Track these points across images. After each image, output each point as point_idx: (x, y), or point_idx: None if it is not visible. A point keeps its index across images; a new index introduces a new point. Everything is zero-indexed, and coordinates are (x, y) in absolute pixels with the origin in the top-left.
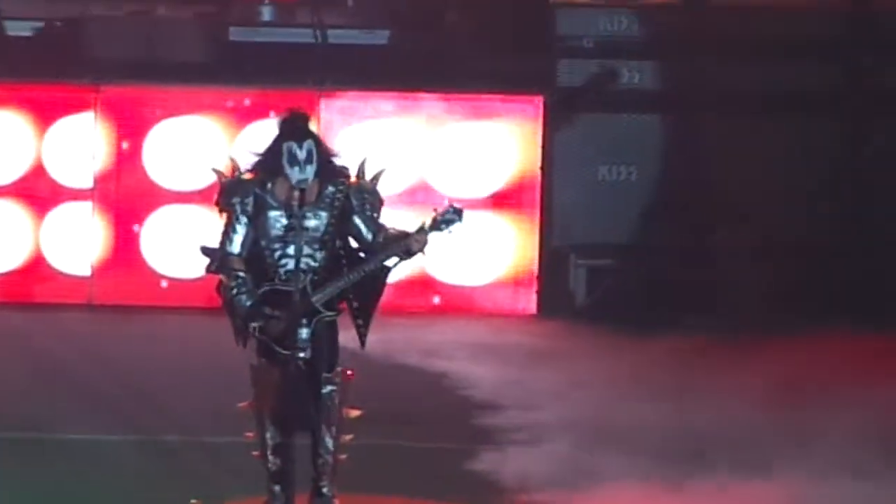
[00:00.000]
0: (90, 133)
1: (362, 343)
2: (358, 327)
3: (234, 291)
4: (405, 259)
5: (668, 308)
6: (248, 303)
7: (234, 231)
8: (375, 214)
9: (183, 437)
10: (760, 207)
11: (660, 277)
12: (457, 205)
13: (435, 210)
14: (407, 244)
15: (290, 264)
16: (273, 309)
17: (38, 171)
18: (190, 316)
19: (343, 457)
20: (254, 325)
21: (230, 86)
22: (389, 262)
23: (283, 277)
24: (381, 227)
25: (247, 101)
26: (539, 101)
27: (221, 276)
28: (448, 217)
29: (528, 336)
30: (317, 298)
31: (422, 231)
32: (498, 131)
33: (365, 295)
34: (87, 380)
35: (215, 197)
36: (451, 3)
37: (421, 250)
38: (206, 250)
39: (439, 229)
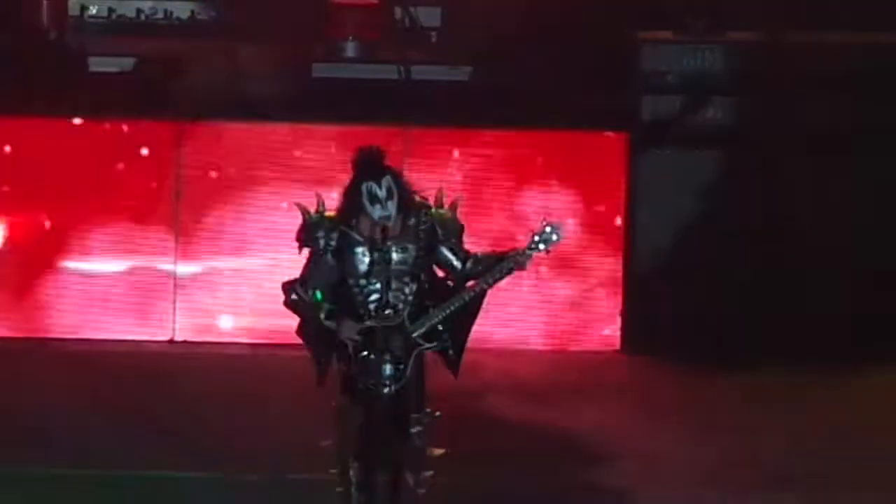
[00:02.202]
0: (173, 171)
1: (455, 373)
2: (448, 358)
3: (323, 318)
4: (506, 276)
5: (750, 341)
6: (337, 324)
7: (317, 265)
8: (460, 242)
9: (265, 475)
10: (839, 241)
11: (741, 310)
12: (554, 222)
13: (532, 232)
14: (511, 264)
15: (381, 298)
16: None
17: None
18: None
19: (422, 492)
20: (352, 337)
21: (314, 122)
22: (492, 282)
23: (373, 313)
24: (469, 254)
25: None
26: (623, 137)
27: (301, 311)
28: (545, 236)
29: (611, 370)
30: (417, 333)
31: (525, 251)
32: (582, 167)
33: (458, 325)
34: (167, 415)
35: (297, 233)
36: (534, 39)
37: (524, 266)
38: (287, 285)
39: (537, 249)
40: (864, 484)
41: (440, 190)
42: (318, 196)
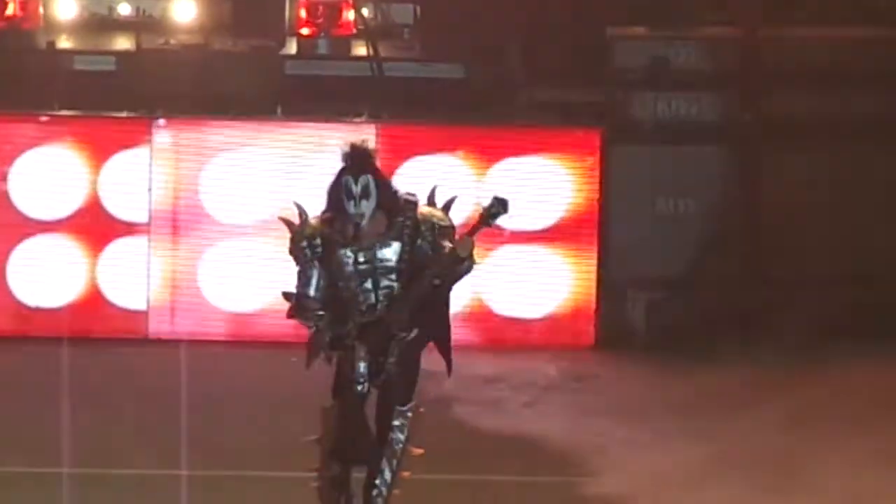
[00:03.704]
0: (146, 167)
1: (448, 369)
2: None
3: (314, 329)
4: (460, 271)
5: (726, 339)
6: (328, 336)
7: (307, 275)
8: (445, 242)
9: (239, 472)
10: (816, 237)
11: (717, 308)
12: (500, 195)
13: (479, 205)
14: (454, 254)
15: (371, 297)
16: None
17: (95, 205)
18: (246, 350)
19: (397, 491)
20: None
21: (286, 119)
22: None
23: (367, 313)
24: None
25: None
26: (596, 133)
27: (299, 320)
28: (493, 211)
29: (584, 368)
30: (394, 321)
31: (466, 236)
32: (555, 164)
33: (435, 328)
34: (145, 414)
35: (288, 245)
36: (507, 35)
37: (468, 254)
38: (286, 296)
39: (487, 224)
40: (824, 478)
41: (433, 188)
42: (299, 207)
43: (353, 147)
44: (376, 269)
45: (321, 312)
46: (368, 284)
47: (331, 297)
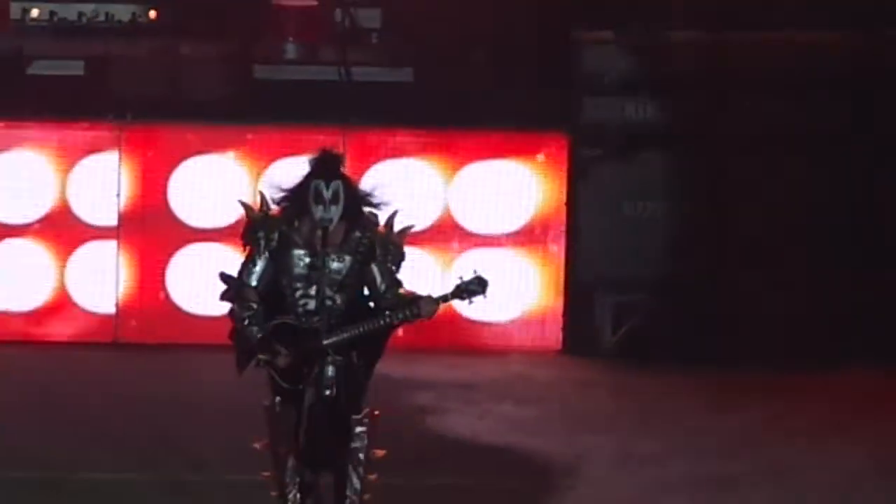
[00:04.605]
0: (115, 172)
1: (365, 384)
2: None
3: (246, 322)
4: (412, 321)
5: (692, 342)
6: (259, 335)
7: (254, 264)
8: (395, 268)
9: (203, 477)
10: (781, 241)
11: (683, 311)
12: (483, 275)
13: (461, 278)
14: (417, 310)
15: (311, 304)
16: (282, 343)
17: (63, 210)
18: (213, 353)
19: (367, 496)
20: (261, 356)
21: (254, 124)
22: (396, 321)
23: (303, 317)
24: (396, 283)
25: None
26: (563, 137)
27: (234, 305)
28: (472, 288)
29: (552, 371)
30: (328, 342)
31: (436, 299)
32: (523, 168)
33: (367, 350)
34: (109, 418)
35: (242, 230)
36: (475, 40)
37: (430, 316)
38: (224, 277)
39: (461, 297)
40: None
41: (394, 212)
42: (262, 194)
43: (324, 152)
44: (323, 278)
45: (255, 304)
46: (312, 290)
47: (267, 294)
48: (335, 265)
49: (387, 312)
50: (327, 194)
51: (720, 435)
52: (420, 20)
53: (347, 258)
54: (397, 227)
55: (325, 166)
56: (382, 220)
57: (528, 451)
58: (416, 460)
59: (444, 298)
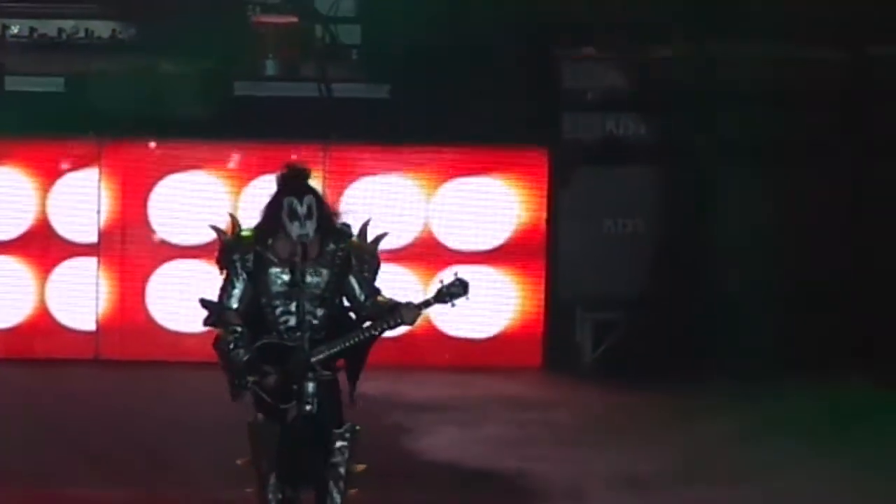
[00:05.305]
0: (95, 188)
1: (351, 399)
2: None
3: (232, 346)
4: (394, 328)
5: (673, 359)
6: (245, 357)
7: (233, 287)
8: (371, 277)
9: (186, 492)
10: (765, 255)
11: (664, 328)
12: (463, 277)
13: (441, 281)
14: (399, 318)
15: (292, 321)
16: (269, 363)
17: (43, 226)
18: (195, 370)
19: None
20: (250, 378)
21: (235, 141)
22: (379, 332)
23: (285, 334)
24: (375, 292)
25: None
26: (543, 153)
27: (218, 331)
28: (454, 291)
29: (531, 389)
30: (316, 358)
31: (418, 305)
32: (502, 184)
33: (352, 358)
34: (90, 435)
35: (217, 255)
36: (454, 56)
37: (412, 323)
38: (205, 303)
39: (443, 301)
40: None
41: (366, 221)
42: (233, 217)
43: (295, 169)
44: (302, 293)
45: (239, 328)
46: (293, 307)
47: (249, 315)
48: (313, 279)
49: (370, 324)
50: (302, 210)
51: (705, 453)
52: (400, 36)
53: (325, 271)
54: (370, 236)
55: (297, 182)
56: (355, 230)
57: (507, 468)
58: (391, 476)
59: (427, 304)
